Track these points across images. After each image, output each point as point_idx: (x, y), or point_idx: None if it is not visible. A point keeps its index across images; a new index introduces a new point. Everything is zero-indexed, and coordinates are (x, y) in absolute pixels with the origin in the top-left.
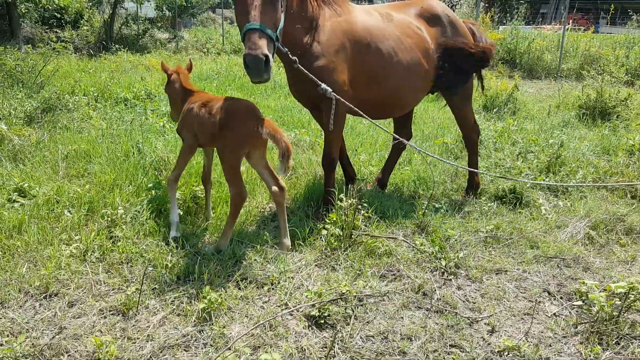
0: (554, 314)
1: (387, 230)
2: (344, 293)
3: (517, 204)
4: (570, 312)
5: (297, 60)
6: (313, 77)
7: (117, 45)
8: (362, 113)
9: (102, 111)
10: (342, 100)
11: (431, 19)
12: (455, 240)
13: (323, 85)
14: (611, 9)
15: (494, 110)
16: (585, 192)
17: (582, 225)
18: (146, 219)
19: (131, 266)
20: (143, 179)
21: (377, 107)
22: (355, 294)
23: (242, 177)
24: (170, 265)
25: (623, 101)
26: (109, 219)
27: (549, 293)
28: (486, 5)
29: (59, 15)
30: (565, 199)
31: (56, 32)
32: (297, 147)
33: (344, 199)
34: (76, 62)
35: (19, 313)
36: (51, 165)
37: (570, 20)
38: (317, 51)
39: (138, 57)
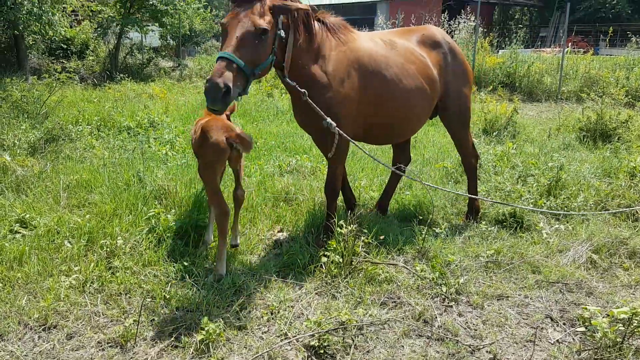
0: (557, 340)
1: (388, 256)
2: (344, 322)
3: (518, 228)
4: (573, 339)
5: (306, 92)
6: (320, 110)
7: (121, 75)
8: (360, 147)
9: (105, 140)
10: (345, 135)
11: (432, 45)
12: (456, 265)
13: (328, 120)
14: (610, 31)
15: (494, 133)
16: (586, 216)
17: (584, 249)
18: (145, 249)
19: (129, 297)
20: (143, 208)
21: (382, 132)
22: (355, 323)
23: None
24: (168, 296)
25: (624, 123)
26: (108, 249)
27: (552, 319)
28: (485, 30)
29: (65, 46)
30: (567, 223)
31: (62, 62)
32: (298, 173)
33: (344, 225)
34: (81, 92)
35: (18, 346)
36: (53, 195)
37: (570, 43)
38: (325, 81)
39: (142, 85)
